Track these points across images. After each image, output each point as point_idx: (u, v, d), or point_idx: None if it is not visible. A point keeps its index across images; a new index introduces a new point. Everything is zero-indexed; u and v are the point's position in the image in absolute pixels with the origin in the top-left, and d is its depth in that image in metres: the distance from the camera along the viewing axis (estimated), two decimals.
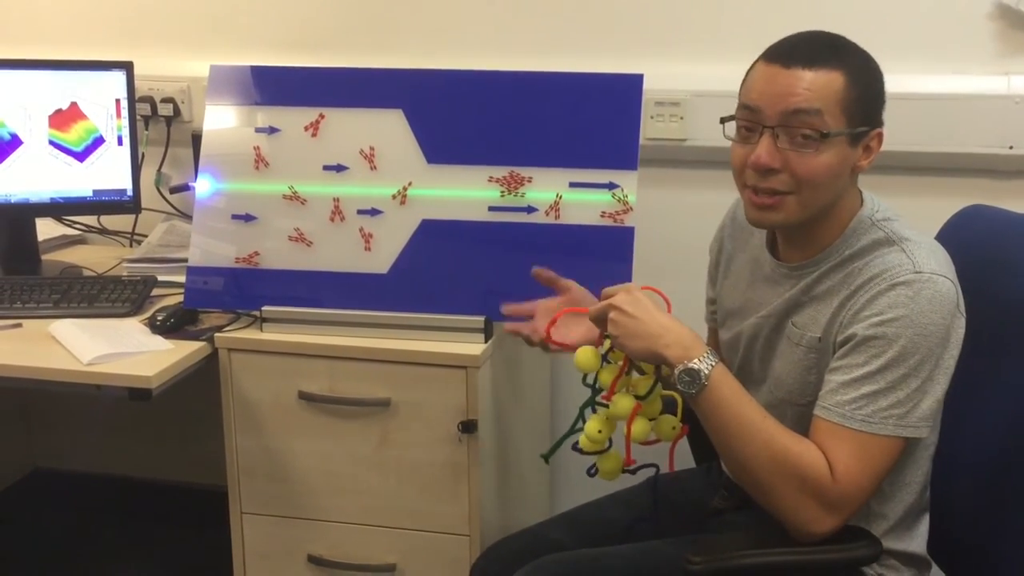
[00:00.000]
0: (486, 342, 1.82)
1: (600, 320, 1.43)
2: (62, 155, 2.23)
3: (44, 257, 2.33)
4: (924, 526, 1.50)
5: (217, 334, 1.88)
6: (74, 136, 2.23)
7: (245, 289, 1.93)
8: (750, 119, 1.39)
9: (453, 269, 1.88)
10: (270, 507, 1.94)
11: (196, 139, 2.17)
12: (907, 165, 2.09)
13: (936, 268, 1.35)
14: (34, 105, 2.20)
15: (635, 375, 1.45)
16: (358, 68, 2.02)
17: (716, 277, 1.69)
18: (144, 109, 2.40)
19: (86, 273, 2.23)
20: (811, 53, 1.37)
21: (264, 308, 1.89)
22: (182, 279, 1.98)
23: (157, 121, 2.44)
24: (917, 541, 1.49)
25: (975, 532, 1.51)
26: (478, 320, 1.81)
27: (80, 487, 2.72)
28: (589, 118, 1.91)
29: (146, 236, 2.38)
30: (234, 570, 1.99)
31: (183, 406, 2.18)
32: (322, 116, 1.96)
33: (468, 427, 1.80)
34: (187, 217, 2.37)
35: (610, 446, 1.49)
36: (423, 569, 1.90)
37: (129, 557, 2.51)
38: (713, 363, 1.35)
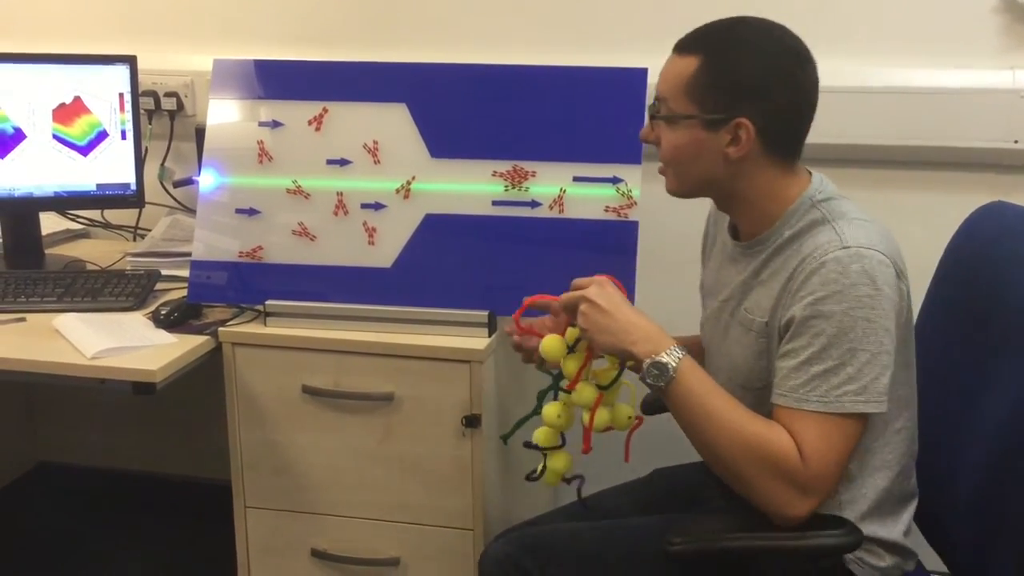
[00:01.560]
0: (490, 336, 1.82)
1: (570, 309, 1.45)
2: (66, 149, 2.23)
3: (48, 251, 2.33)
4: (907, 514, 1.50)
5: (221, 328, 1.88)
6: (78, 130, 2.23)
7: (249, 283, 1.93)
8: None
9: (457, 263, 1.88)
10: (274, 501, 1.94)
11: (200, 133, 2.17)
12: (912, 160, 2.09)
13: (865, 242, 1.36)
14: (38, 99, 2.20)
15: (598, 366, 1.47)
16: (362, 62, 2.02)
17: (704, 261, 1.72)
18: (148, 103, 2.40)
19: (90, 267, 2.23)
20: (685, 39, 1.46)
21: (268, 302, 1.89)
22: (186, 273, 1.98)
23: (161, 115, 2.44)
24: (899, 529, 1.49)
25: (978, 528, 1.51)
26: (482, 314, 1.81)
27: (84, 481, 2.72)
28: (593, 112, 1.90)
29: (150, 230, 2.38)
30: (238, 564, 2.00)
31: (187, 400, 2.19)
32: (325, 110, 1.96)
33: (472, 421, 1.80)
34: (191, 211, 2.37)
35: (563, 444, 1.51)
36: (427, 563, 1.90)
37: (133, 551, 2.51)
38: (680, 356, 1.37)
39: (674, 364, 1.36)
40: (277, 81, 2.00)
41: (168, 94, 2.42)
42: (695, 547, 1.38)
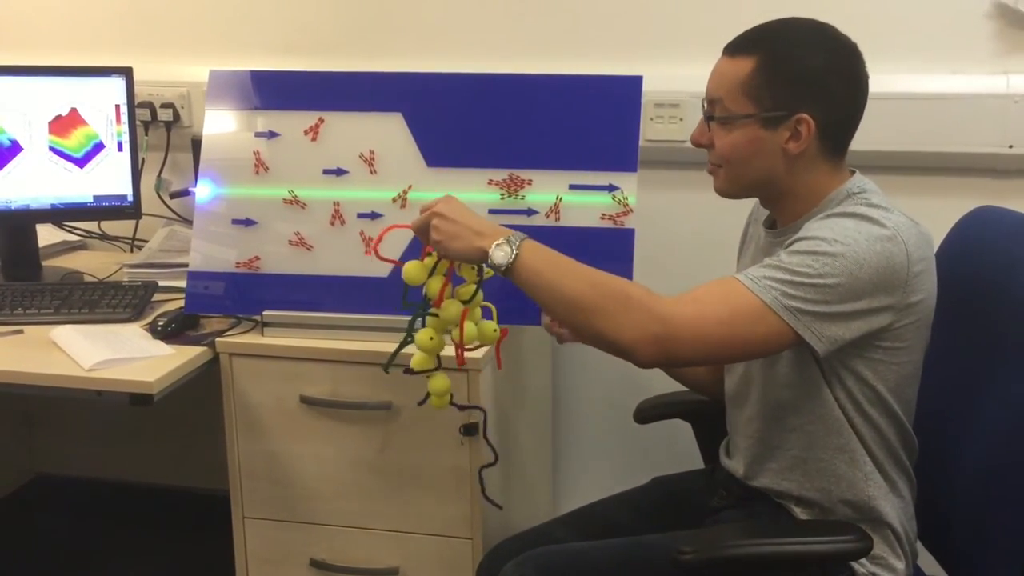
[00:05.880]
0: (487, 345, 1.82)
1: (423, 231, 1.49)
2: (62, 161, 2.23)
3: (45, 263, 2.33)
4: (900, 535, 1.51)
5: (218, 339, 1.88)
6: (74, 142, 2.23)
7: (246, 294, 1.93)
8: None
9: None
10: (272, 511, 1.94)
11: (196, 144, 2.17)
12: (906, 165, 2.09)
13: (886, 221, 1.37)
14: (34, 111, 2.20)
15: (457, 288, 1.55)
16: (357, 72, 2.02)
17: (739, 259, 1.73)
18: (144, 114, 2.41)
19: (87, 279, 2.23)
20: (737, 42, 1.47)
21: (265, 312, 1.89)
22: (183, 284, 1.98)
23: (157, 126, 2.45)
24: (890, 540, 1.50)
25: (975, 532, 1.51)
26: None
27: (82, 493, 2.72)
28: (589, 120, 1.91)
29: (147, 241, 2.38)
30: (236, 575, 1.99)
31: (184, 411, 2.19)
32: (321, 120, 1.96)
33: (470, 430, 1.80)
34: (187, 222, 2.37)
35: (439, 366, 1.59)
36: (425, 572, 1.90)
37: (131, 562, 2.50)
38: (523, 236, 1.41)
39: (517, 241, 1.40)
40: (273, 91, 2.00)
41: (164, 105, 2.42)
42: (706, 556, 1.38)
